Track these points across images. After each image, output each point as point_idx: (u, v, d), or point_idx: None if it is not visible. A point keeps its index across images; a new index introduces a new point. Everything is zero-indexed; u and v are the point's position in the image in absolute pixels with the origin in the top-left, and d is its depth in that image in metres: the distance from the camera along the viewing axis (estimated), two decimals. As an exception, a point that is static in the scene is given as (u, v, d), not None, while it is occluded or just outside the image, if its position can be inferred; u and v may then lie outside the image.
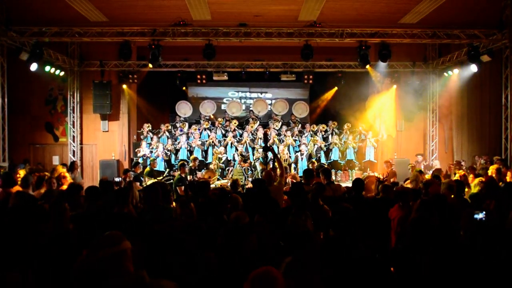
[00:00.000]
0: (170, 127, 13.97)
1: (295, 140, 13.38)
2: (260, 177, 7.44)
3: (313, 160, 12.31)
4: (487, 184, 5.50)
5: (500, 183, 6.26)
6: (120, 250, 2.28)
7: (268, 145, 7.19)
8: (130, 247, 2.31)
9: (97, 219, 3.91)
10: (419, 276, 2.63)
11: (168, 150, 12.95)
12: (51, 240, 3.21)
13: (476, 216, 3.48)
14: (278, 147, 12.79)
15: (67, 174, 8.19)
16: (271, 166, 7.39)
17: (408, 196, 4.66)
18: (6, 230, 3.03)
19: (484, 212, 3.54)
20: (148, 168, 10.51)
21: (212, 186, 9.85)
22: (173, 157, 13.29)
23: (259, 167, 11.77)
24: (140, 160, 12.25)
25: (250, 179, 11.31)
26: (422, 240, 2.71)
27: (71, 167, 10.41)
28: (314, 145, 12.99)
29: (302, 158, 12.61)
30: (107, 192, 5.45)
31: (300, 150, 12.95)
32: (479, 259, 2.78)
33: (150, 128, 13.66)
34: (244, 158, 12.43)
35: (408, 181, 7.69)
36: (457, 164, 10.09)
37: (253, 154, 12.90)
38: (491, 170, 6.55)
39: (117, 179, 8.87)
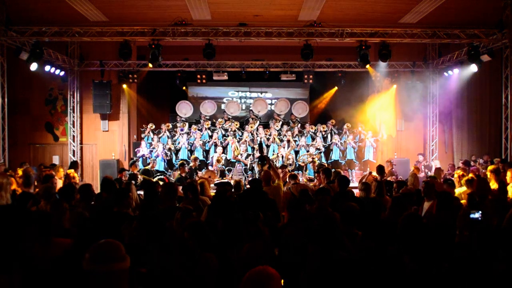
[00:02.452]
0: (170, 127, 13.96)
1: (295, 141, 13.35)
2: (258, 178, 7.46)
3: (315, 159, 12.25)
4: (478, 184, 5.49)
5: (496, 185, 6.23)
6: (115, 270, 1.90)
7: (263, 155, 7.32)
8: (127, 267, 1.95)
9: (99, 218, 3.91)
10: (412, 276, 2.63)
11: (168, 150, 12.94)
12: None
13: (472, 215, 3.48)
14: (278, 146, 12.79)
15: (75, 175, 8.25)
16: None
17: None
18: None
19: (480, 212, 3.54)
20: (145, 167, 10.52)
21: (212, 186, 9.87)
22: (173, 157, 13.27)
23: (256, 168, 11.76)
24: (140, 160, 12.24)
25: (249, 179, 11.29)
26: (412, 239, 2.71)
27: (73, 167, 10.42)
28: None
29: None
30: (109, 191, 5.42)
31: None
32: (476, 258, 2.78)
33: (153, 128, 13.64)
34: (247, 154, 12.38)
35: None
36: (465, 163, 10.06)
37: (253, 154, 12.87)
38: (489, 172, 6.53)
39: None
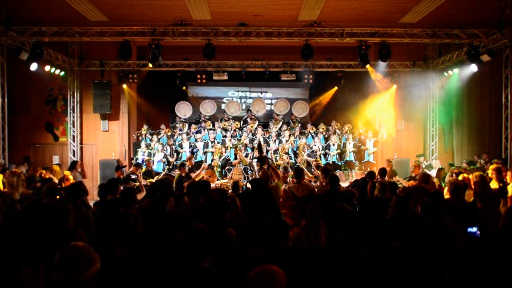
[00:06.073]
0: (170, 131, 13.84)
1: (294, 141, 13.33)
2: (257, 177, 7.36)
3: (317, 158, 12.22)
4: (479, 184, 5.48)
5: (500, 184, 6.23)
6: (82, 279, 1.80)
7: (262, 155, 7.29)
8: (97, 269, 1.87)
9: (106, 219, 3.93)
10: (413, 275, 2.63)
11: (167, 151, 12.88)
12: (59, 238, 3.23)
13: (470, 229, 3.44)
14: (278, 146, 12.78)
15: (70, 177, 8.24)
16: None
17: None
18: (20, 227, 3.08)
19: (477, 228, 3.47)
20: (144, 169, 10.48)
21: (212, 185, 9.84)
22: (170, 158, 13.20)
23: (256, 167, 11.72)
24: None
25: (250, 178, 11.27)
26: (414, 239, 2.71)
27: (71, 167, 10.41)
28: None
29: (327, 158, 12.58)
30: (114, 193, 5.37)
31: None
32: (475, 260, 2.78)
33: (148, 130, 13.52)
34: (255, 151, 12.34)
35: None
36: (469, 164, 10.06)
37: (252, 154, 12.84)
38: (490, 171, 6.51)
39: (133, 176, 9.01)
